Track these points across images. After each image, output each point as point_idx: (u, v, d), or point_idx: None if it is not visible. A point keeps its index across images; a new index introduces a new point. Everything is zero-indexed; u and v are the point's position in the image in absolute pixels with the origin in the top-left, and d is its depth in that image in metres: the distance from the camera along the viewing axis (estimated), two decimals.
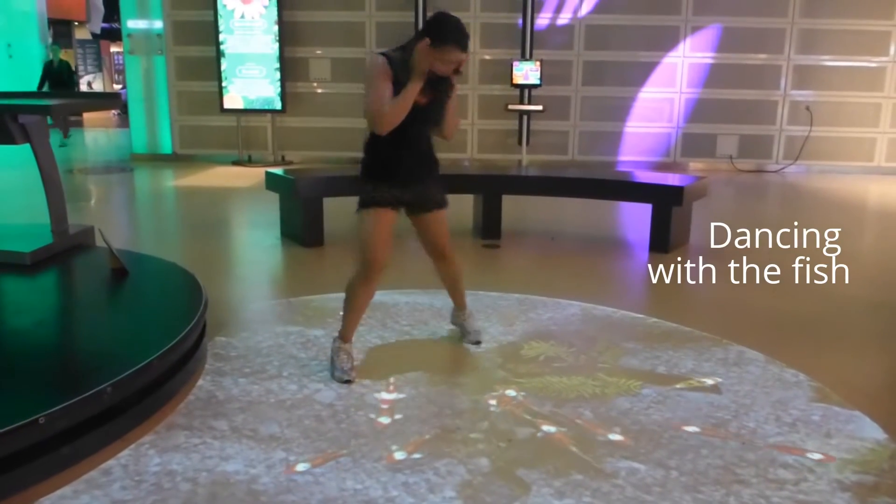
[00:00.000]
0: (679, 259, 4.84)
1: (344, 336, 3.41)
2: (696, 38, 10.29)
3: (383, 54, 3.13)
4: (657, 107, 10.56)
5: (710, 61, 10.36)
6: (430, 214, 3.39)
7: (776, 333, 4.07)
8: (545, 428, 2.93)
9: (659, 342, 3.86)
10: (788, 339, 4.00)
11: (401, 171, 3.23)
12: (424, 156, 3.32)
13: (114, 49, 22.74)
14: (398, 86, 3.06)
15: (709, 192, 6.37)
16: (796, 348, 3.81)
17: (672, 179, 6.36)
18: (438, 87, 3.14)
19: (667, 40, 10.31)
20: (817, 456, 2.72)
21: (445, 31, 3.03)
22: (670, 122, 10.60)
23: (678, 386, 3.31)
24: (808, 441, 2.84)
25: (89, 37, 21.54)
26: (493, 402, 3.16)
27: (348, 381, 3.28)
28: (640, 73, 10.43)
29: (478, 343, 3.76)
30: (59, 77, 12.36)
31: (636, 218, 6.52)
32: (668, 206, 5.69)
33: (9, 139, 4.03)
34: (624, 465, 2.64)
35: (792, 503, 2.43)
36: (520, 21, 10.16)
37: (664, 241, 5.69)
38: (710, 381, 3.37)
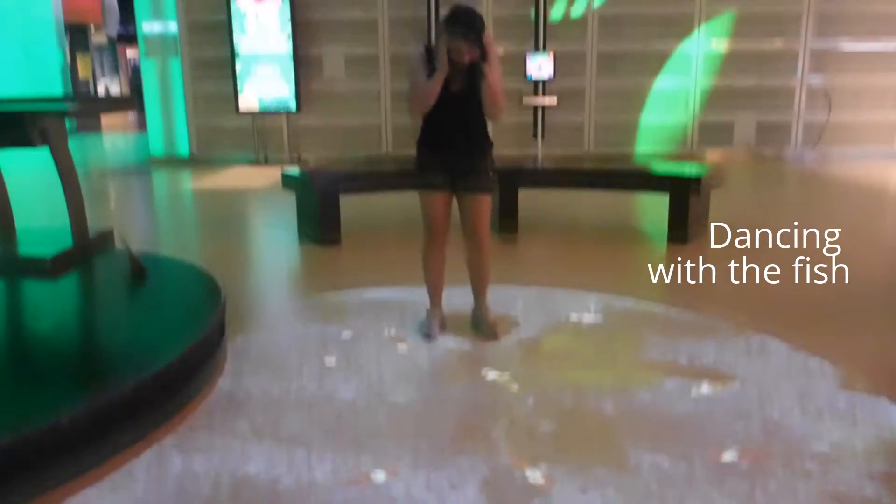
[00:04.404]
0: (690, 256, 4.76)
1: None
2: (710, 26, 10.18)
3: (424, 46, 3.50)
4: (673, 96, 10.46)
5: (726, 48, 10.25)
6: (466, 195, 3.60)
7: (798, 319, 4.00)
8: (566, 423, 2.91)
9: (680, 333, 3.82)
10: (812, 325, 3.93)
11: (437, 151, 3.58)
12: (462, 139, 3.54)
13: (130, 54, 22.90)
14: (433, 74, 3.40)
15: (727, 182, 6.30)
16: (820, 334, 3.75)
17: (689, 169, 6.30)
18: (472, 75, 3.40)
19: (681, 28, 10.21)
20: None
21: (445, 20, 3.33)
22: (686, 112, 10.50)
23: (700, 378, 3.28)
24: (835, 430, 2.80)
25: (106, 41, 21.70)
26: (513, 397, 3.15)
27: (427, 336, 3.73)
28: (654, 63, 10.34)
29: (494, 338, 3.72)
30: None
31: (654, 209, 6.47)
32: (686, 196, 5.64)
33: (27, 142, 4.06)
34: (647, 458, 2.62)
35: (820, 495, 2.40)
36: (532, 13, 10.10)
37: (682, 232, 5.64)
38: (732, 373, 3.33)
